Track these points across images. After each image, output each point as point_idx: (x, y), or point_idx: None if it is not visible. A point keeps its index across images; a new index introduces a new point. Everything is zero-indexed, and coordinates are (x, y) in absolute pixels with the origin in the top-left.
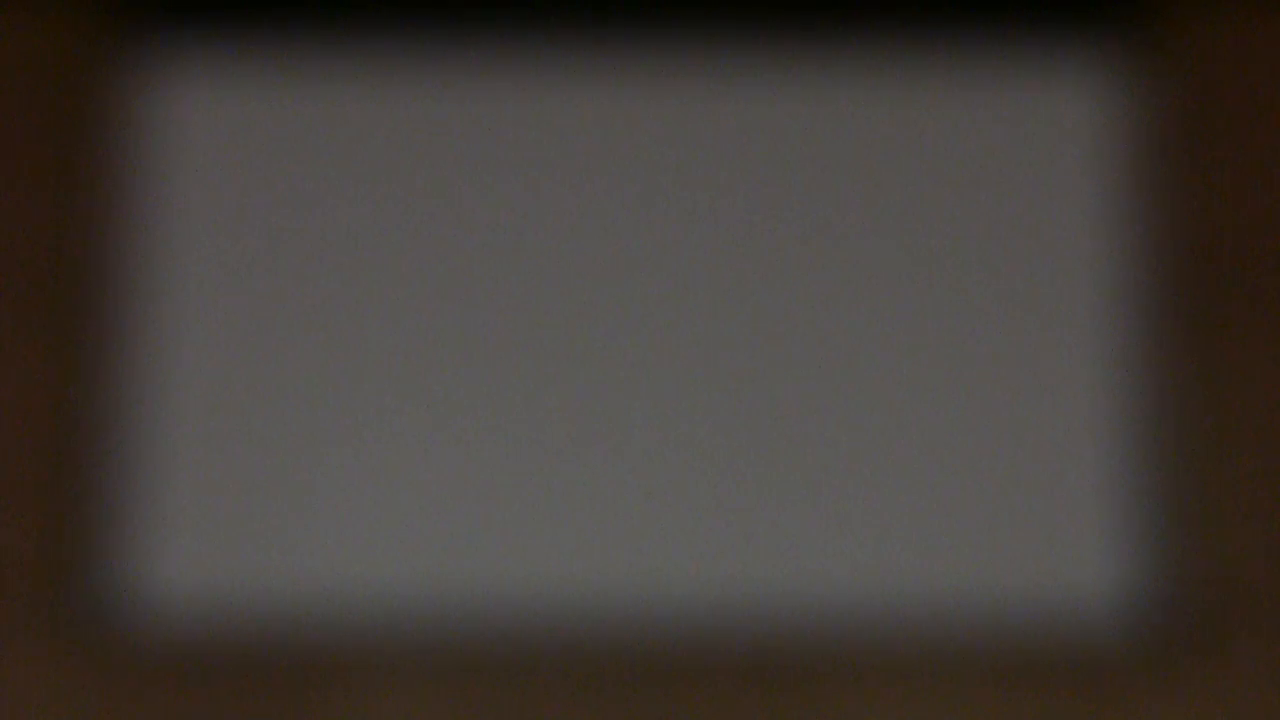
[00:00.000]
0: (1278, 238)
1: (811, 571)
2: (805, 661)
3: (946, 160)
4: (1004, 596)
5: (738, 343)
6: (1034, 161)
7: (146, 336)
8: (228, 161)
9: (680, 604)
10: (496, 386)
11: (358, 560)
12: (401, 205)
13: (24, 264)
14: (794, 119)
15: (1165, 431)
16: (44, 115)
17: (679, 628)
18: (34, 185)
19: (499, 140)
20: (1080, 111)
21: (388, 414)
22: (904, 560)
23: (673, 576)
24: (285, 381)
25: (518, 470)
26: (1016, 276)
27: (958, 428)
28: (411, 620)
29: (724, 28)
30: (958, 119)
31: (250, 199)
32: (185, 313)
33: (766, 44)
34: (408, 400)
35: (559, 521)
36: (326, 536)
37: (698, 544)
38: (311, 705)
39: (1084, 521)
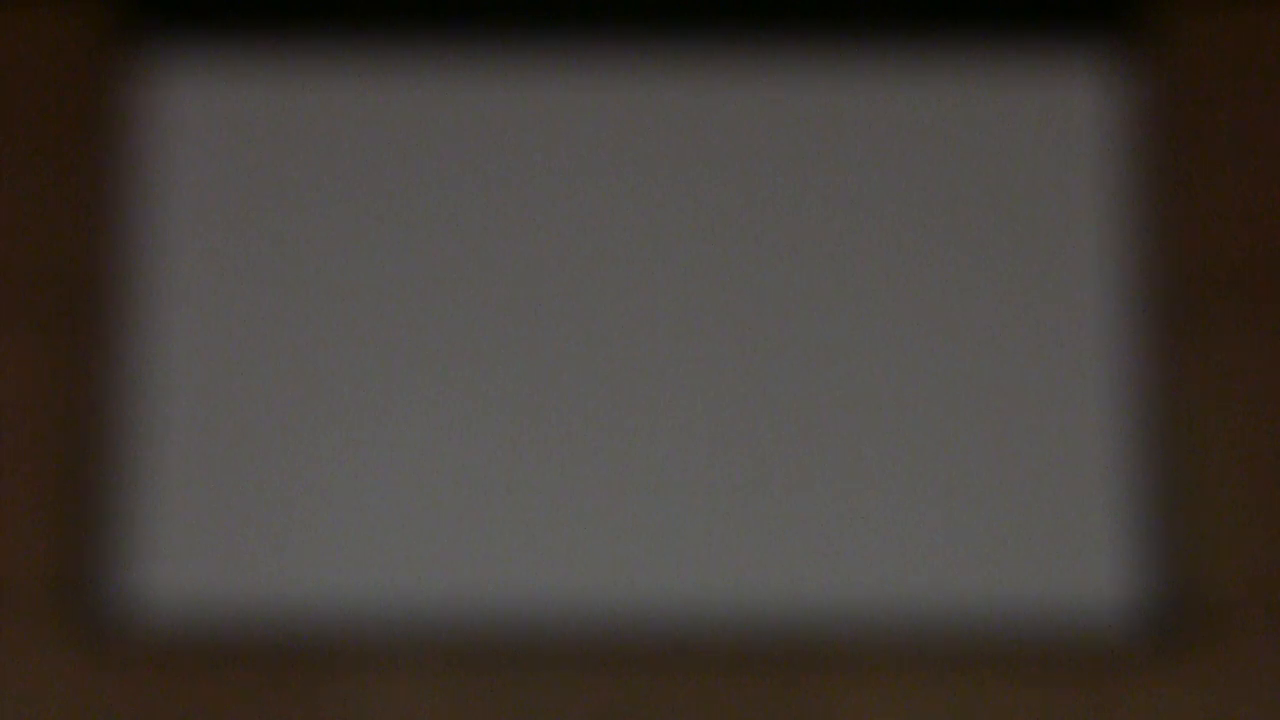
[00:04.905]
0: (1278, 237)
1: (825, 573)
2: (820, 659)
3: (947, 163)
4: (1013, 595)
5: (744, 344)
6: (1034, 163)
7: (148, 338)
8: (228, 162)
9: (683, 603)
10: (495, 385)
11: (357, 559)
12: (401, 207)
13: (27, 267)
14: (796, 121)
15: (1169, 436)
16: (45, 115)
17: (681, 625)
18: (35, 185)
19: (500, 142)
20: (1080, 111)
21: (386, 415)
22: (918, 561)
23: (677, 576)
24: (285, 382)
25: (516, 468)
26: (1028, 284)
27: (967, 433)
28: (410, 617)
29: (728, 28)
30: (958, 121)
31: (249, 203)
32: (185, 314)
33: (771, 44)
34: (407, 402)
35: (557, 519)
36: (327, 534)
37: (706, 545)
38: (312, 700)
39: (1090, 523)
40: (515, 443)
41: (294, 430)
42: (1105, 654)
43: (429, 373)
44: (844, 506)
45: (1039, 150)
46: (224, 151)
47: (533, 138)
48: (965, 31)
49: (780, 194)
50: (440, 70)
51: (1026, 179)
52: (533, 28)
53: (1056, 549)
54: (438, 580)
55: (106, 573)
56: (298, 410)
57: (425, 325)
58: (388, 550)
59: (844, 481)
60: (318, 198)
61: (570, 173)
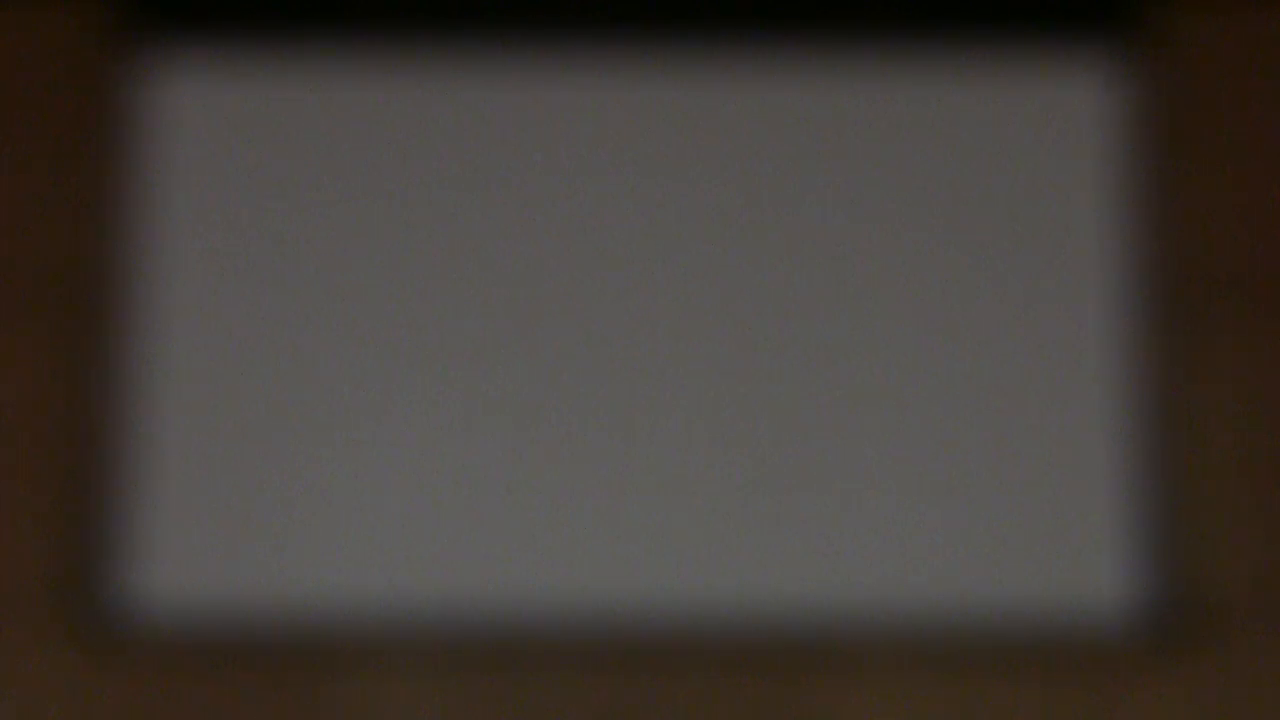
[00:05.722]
0: (1278, 237)
1: (826, 573)
2: (820, 659)
3: (948, 163)
4: (1013, 596)
5: (744, 344)
6: (1034, 163)
7: (148, 338)
8: (228, 162)
9: (683, 603)
10: (495, 386)
11: (357, 559)
12: (401, 207)
13: (27, 266)
14: (796, 121)
15: (1169, 436)
16: (45, 115)
17: (681, 625)
18: (36, 184)
19: (500, 142)
20: (1080, 111)
21: (386, 415)
22: (918, 561)
23: (677, 576)
24: (285, 383)
25: (516, 469)
26: (1028, 284)
27: (967, 433)
28: (410, 617)
29: (728, 28)
30: (958, 121)
31: (249, 203)
32: (185, 314)
33: (771, 44)
34: (407, 403)
35: (557, 519)
36: (327, 534)
37: (707, 546)
38: (312, 700)
39: (1090, 523)
40: (515, 443)
41: (294, 431)
42: (1105, 654)
43: (429, 374)
44: (845, 507)
45: (1039, 150)
46: (224, 151)
47: (533, 138)
48: (965, 31)
49: (780, 194)
50: (440, 70)
51: (1026, 179)
52: (533, 28)
53: (1057, 549)
54: (438, 580)
55: (106, 573)
56: (297, 411)
57: (425, 326)
58: (388, 551)
59: (845, 482)
60: (318, 198)
61: (570, 173)
